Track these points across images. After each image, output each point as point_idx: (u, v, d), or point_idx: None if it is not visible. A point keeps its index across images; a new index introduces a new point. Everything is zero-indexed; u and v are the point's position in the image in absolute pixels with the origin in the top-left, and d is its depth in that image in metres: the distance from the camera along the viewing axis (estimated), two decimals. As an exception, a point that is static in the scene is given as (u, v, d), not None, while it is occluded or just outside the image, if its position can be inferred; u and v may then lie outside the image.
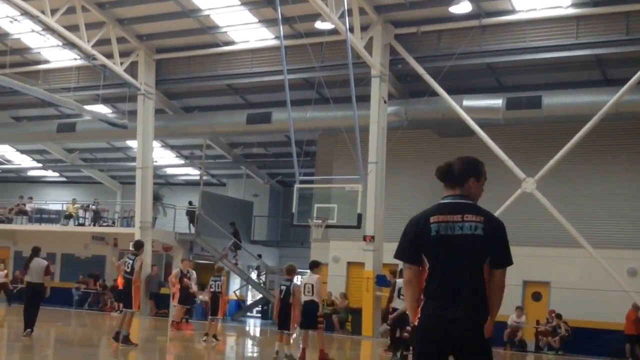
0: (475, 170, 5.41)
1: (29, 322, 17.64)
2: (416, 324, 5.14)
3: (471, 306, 5.00)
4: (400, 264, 5.45)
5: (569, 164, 25.94)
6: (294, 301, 16.09)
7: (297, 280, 17.40)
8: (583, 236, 25.10)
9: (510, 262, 5.20)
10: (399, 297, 18.32)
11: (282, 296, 16.20)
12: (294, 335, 17.99)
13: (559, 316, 26.13)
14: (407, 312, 5.44)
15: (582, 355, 25.36)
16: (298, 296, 16.10)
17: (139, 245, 17.80)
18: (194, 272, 24.41)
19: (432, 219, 5.15)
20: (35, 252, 18.29)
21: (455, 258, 5.06)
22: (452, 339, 5.00)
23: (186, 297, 23.73)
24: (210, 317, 20.90)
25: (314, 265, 17.01)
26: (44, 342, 18.48)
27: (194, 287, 24.12)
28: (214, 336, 20.54)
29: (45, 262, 18.23)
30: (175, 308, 23.90)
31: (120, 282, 32.72)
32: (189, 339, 22.35)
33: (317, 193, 28.05)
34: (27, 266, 17.97)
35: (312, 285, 16.26)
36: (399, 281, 18.04)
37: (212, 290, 20.49)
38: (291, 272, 16.60)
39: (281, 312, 16.21)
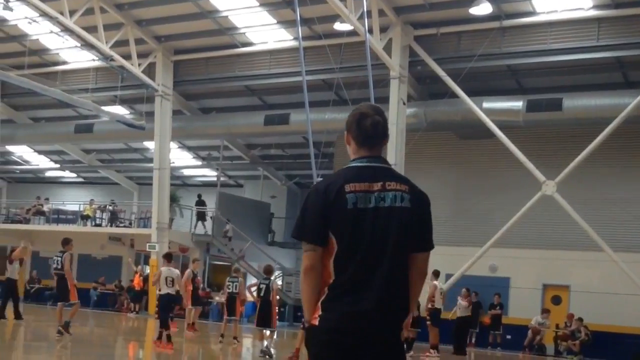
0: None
1: None
2: (316, 323, 4.00)
3: (394, 298, 3.97)
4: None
5: (589, 167, 25.71)
6: (273, 299, 16.82)
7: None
8: (603, 239, 24.87)
9: (432, 245, 4.14)
10: None
11: (262, 294, 16.77)
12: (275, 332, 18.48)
13: (580, 320, 25.90)
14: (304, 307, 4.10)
15: (602, 359, 25.13)
16: (276, 294, 16.85)
17: (66, 242, 18.04)
18: None
19: (347, 188, 4.00)
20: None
21: (377, 237, 3.97)
22: (364, 340, 3.93)
23: (197, 298, 23.70)
24: (226, 317, 20.86)
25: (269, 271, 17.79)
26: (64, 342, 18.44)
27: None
28: (234, 338, 20.42)
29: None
30: (188, 310, 23.72)
31: (137, 283, 33.05)
32: (200, 339, 22.28)
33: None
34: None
35: None
36: None
37: (229, 291, 20.45)
38: (269, 271, 17.62)
39: (261, 310, 16.73)
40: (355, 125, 4.19)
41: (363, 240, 3.96)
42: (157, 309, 18.77)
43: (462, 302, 24.41)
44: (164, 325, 17.39)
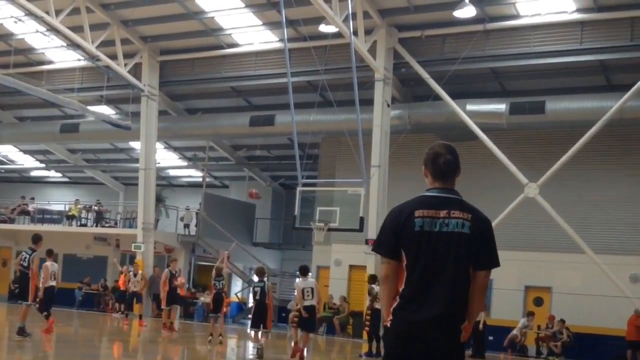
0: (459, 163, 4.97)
1: None
2: (388, 325, 4.79)
3: (449, 307, 4.61)
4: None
5: (572, 170, 25.92)
6: (270, 300, 17.23)
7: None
8: (585, 242, 25.07)
9: (496, 264, 4.76)
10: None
11: (257, 297, 17.05)
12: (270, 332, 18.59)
13: (562, 321, 26.09)
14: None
15: (583, 361, 25.38)
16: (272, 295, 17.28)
17: (36, 239, 17.92)
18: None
19: (416, 213, 4.72)
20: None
21: (438, 256, 4.67)
22: (425, 342, 4.63)
23: (173, 298, 23.87)
24: (211, 315, 20.94)
25: (306, 271, 17.84)
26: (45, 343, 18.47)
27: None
28: (219, 336, 20.44)
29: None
30: (164, 310, 24.05)
31: (122, 283, 33.05)
32: (184, 340, 22.34)
33: (319, 196, 28.08)
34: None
35: (312, 289, 16.89)
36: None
37: (216, 289, 20.59)
38: (262, 273, 17.70)
39: (257, 312, 17.02)
40: (431, 163, 4.90)
41: (426, 259, 4.69)
42: (39, 300, 19.33)
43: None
44: (47, 315, 18.72)
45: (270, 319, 17.31)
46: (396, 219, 4.78)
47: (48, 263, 19.33)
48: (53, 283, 19.18)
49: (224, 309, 21.90)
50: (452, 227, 4.70)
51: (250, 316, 17.30)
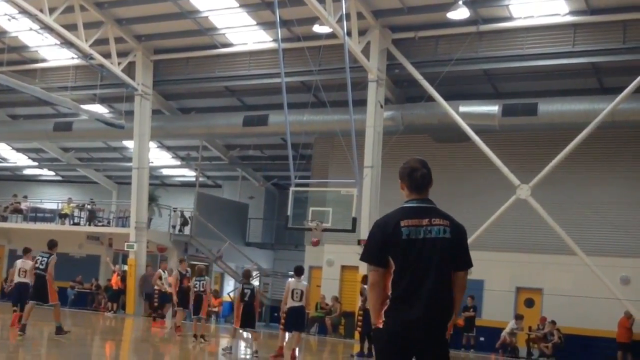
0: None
1: None
2: (380, 326, 5.14)
3: (437, 307, 5.09)
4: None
5: (563, 172, 26.00)
6: (257, 302, 17.99)
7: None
8: (576, 243, 25.15)
9: (471, 264, 5.33)
10: None
11: (246, 299, 17.43)
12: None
13: (553, 323, 26.18)
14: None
15: (574, 362, 25.47)
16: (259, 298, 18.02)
17: (52, 245, 18.46)
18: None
19: (402, 223, 5.16)
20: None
21: (424, 261, 5.11)
22: (417, 341, 5.08)
23: (183, 300, 23.06)
24: (194, 317, 20.98)
25: (301, 271, 17.97)
26: (37, 341, 18.49)
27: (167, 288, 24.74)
28: (202, 336, 20.49)
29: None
30: (178, 312, 23.09)
31: (114, 282, 33.05)
32: (172, 340, 22.34)
33: (312, 196, 28.10)
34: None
35: (302, 292, 17.03)
36: None
37: (195, 290, 20.63)
38: (249, 276, 18.58)
39: (246, 313, 17.47)
40: (407, 177, 5.37)
41: (412, 263, 5.11)
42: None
43: None
44: (22, 309, 18.72)
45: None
46: (384, 229, 5.19)
47: (19, 261, 20.05)
48: (24, 280, 19.40)
49: (206, 308, 21.85)
50: (434, 233, 5.18)
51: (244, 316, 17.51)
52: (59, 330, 18.05)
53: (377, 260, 5.18)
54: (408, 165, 5.39)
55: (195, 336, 20.34)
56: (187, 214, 36.15)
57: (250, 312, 17.55)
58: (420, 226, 5.17)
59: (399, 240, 5.12)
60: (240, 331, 18.22)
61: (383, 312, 5.13)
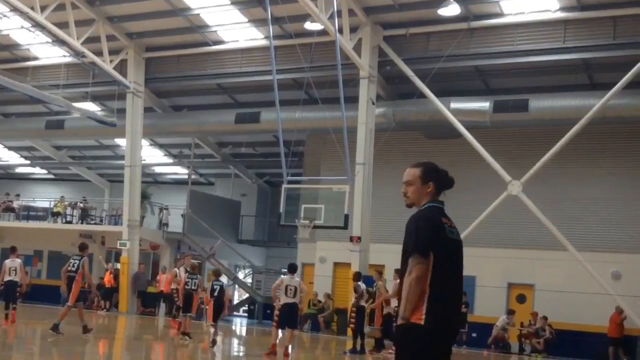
0: None
1: None
2: (421, 323, 5.06)
3: (461, 307, 5.48)
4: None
5: (554, 167, 26.10)
6: (226, 299, 19.35)
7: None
8: (568, 239, 25.24)
9: None
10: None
11: (216, 294, 18.55)
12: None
13: (544, 318, 26.26)
14: (401, 307, 5.14)
15: (566, 357, 25.53)
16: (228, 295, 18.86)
17: (83, 248, 19.34)
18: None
19: (443, 220, 5.29)
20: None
21: (455, 260, 5.30)
22: (451, 334, 5.30)
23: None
24: (182, 314, 20.89)
25: (295, 268, 18.11)
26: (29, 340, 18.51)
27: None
28: (187, 334, 20.38)
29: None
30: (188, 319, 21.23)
31: (107, 280, 33.05)
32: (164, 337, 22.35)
33: (304, 193, 28.10)
34: None
35: (296, 288, 17.06)
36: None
37: (187, 287, 20.56)
38: (219, 274, 19.68)
39: (216, 307, 18.61)
40: (443, 179, 5.46)
41: (449, 260, 5.21)
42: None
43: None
44: (13, 306, 20.13)
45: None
46: (432, 224, 5.23)
47: (8, 260, 20.54)
48: (13, 278, 20.24)
49: (196, 306, 21.75)
50: (455, 235, 5.36)
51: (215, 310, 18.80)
52: (55, 328, 18.19)
53: (428, 254, 5.13)
54: (440, 168, 5.51)
55: (183, 333, 20.34)
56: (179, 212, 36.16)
57: (219, 306, 18.67)
58: (452, 227, 5.34)
59: (444, 237, 5.22)
60: (211, 324, 18.80)
61: (425, 307, 5.08)
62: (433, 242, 5.14)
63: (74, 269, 18.55)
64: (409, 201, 5.46)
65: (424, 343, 5.09)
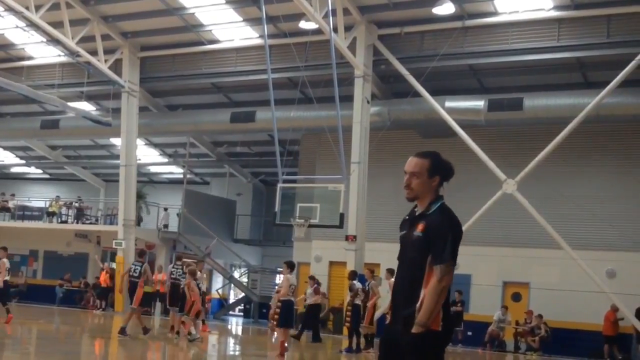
0: None
1: None
2: (439, 329, 4.81)
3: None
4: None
5: (549, 166, 26.14)
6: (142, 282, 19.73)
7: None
8: (562, 237, 25.24)
9: None
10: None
11: (135, 275, 19.45)
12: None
13: (540, 316, 26.33)
14: (423, 315, 4.80)
15: (561, 355, 25.60)
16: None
17: (142, 254, 20.44)
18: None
19: None
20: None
21: None
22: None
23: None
24: (179, 313, 20.67)
25: (295, 266, 18.20)
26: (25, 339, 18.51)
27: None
28: (177, 332, 20.35)
29: None
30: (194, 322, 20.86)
31: (102, 280, 33.03)
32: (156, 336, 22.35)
33: (299, 192, 28.13)
34: None
35: (295, 286, 17.14)
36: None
37: (172, 277, 20.87)
38: (142, 254, 20.40)
39: (131, 290, 19.53)
40: (450, 171, 5.10)
41: None
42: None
43: (309, 290, 24.49)
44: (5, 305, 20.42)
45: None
46: (461, 231, 4.96)
47: (5, 260, 20.84)
48: (7, 278, 20.79)
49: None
50: None
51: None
52: (122, 331, 19.10)
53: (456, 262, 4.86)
54: (445, 159, 5.13)
55: (172, 328, 20.39)
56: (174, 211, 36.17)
57: (133, 290, 19.38)
58: None
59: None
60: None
61: (441, 314, 4.82)
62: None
63: (136, 274, 19.50)
64: (412, 194, 5.01)
65: (442, 348, 4.95)
